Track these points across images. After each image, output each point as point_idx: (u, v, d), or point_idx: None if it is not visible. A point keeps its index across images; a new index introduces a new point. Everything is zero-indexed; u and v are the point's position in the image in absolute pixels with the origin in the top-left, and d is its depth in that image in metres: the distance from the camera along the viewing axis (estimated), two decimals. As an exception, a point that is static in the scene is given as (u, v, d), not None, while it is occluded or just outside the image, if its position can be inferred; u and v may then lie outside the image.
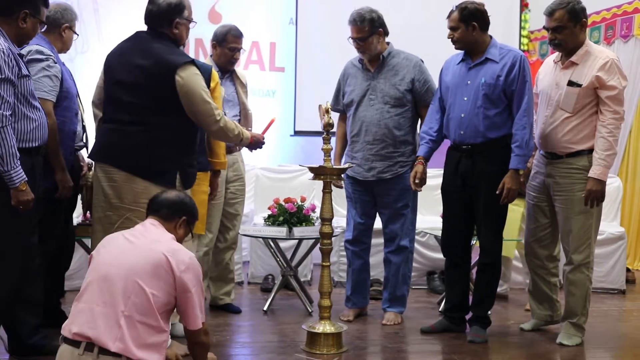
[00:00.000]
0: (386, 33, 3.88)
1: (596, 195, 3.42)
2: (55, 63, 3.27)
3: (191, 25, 3.25)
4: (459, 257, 3.73)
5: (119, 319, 2.31)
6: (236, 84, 4.07)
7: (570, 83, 3.46)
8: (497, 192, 3.49)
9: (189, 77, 3.04)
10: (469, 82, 3.57)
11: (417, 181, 3.71)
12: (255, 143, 3.46)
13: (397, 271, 3.92)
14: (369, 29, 3.77)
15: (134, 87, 3.08)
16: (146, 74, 3.05)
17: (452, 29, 3.55)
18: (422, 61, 3.92)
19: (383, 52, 3.87)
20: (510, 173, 3.48)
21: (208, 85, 3.25)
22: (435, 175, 3.99)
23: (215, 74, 3.53)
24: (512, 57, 3.51)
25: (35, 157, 2.96)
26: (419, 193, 3.89)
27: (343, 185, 3.99)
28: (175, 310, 3.19)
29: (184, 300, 2.45)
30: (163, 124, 3.08)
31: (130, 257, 2.40)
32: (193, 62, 3.10)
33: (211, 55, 4.05)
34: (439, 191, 3.78)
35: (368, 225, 3.99)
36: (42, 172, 3.05)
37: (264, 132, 3.56)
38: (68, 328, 2.36)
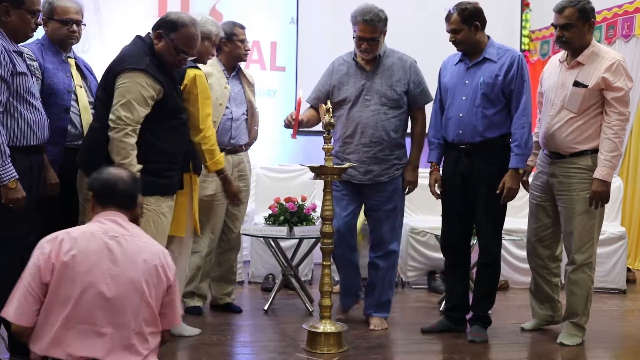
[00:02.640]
0: None
1: (601, 196, 3.42)
2: (34, 60, 3.20)
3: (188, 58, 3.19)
4: (458, 256, 3.72)
5: (131, 339, 2.23)
6: (243, 82, 4.07)
7: (576, 83, 3.46)
8: (498, 191, 3.49)
9: (126, 80, 2.99)
10: (467, 81, 3.56)
11: (437, 189, 3.71)
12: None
13: (385, 276, 3.83)
14: (382, 30, 3.63)
15: (100, 83, 3.18)
16: (106, 71, 3.12)
17: (455, 31, 3.52)
18: (416, 62, 3.83)
19: (381, 52, 3.74)
20: (510, 172, 3.48)
21: (180, 84, 3.31)
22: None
23: (190, 73, 3.39)
24: (510, 57, 3.51)
25: (34, 155, 2.94)
26: (418, 192, 3.87)
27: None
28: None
29: (171, 298, 2.38)
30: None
31: (127, 271, 2.26)
32: (143, 70, 3.01)
33: (217, 55, 3.95)
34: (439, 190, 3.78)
35: (352, 224, 3.80)
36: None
37: (297, 115, 3.56)
38: (66, 351, 2.18)
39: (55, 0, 3.35)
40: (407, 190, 3.85)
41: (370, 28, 3.58)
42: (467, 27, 3.50)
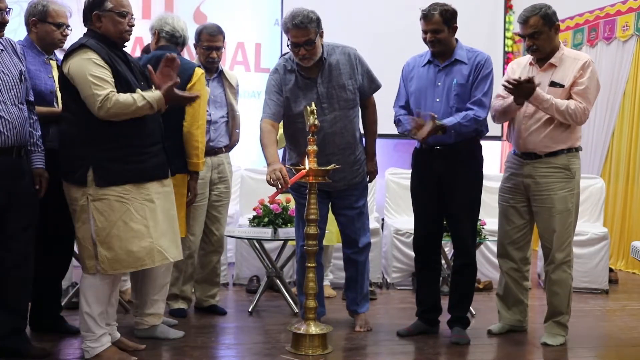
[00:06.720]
0: None
1: (523, 91, 3.39)
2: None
3: (130, 18, 3.06)
4: (431, 258, 3.74)
5: None
6: (224, 85, 4.05)
7: (553, 84, 3.52)
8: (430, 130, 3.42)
9: (75, 62, 2.90)
10: (439, 83, 3.57)
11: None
12: (173, 97, 3.01)
13: (364, 269, 3.82)
14: (315, 31, 3.44)
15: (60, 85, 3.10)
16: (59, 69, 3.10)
17: (435, 31, 3.51)
18: (356, 49, 3.69)
19: (323, 53, 3.56)
20: (440, 125, 3.41)
21: (186, 83, 3.39)
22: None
23: (198, 71, 3.54)
24: (481, 58, 3.55)
25: None
26: (402, 193, 3.86)
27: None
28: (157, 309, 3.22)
29: None
30: (71, 119, 3.00)
31: None
32: (84, 45, 2.91)
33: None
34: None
35: (320, 227, 3.65)
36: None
37: (292, 182, 3.32)
38: None
39: (49, 3, 3.35)
40: (369, 179, 3.83)
41: (302, 32, 3.41)
42: (447, 27, 3.52)
